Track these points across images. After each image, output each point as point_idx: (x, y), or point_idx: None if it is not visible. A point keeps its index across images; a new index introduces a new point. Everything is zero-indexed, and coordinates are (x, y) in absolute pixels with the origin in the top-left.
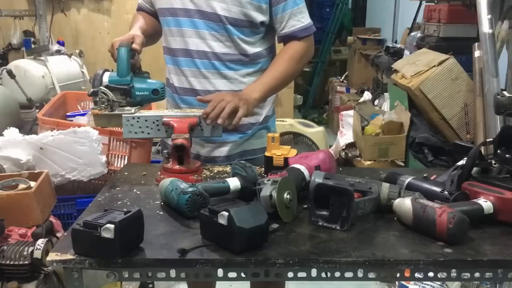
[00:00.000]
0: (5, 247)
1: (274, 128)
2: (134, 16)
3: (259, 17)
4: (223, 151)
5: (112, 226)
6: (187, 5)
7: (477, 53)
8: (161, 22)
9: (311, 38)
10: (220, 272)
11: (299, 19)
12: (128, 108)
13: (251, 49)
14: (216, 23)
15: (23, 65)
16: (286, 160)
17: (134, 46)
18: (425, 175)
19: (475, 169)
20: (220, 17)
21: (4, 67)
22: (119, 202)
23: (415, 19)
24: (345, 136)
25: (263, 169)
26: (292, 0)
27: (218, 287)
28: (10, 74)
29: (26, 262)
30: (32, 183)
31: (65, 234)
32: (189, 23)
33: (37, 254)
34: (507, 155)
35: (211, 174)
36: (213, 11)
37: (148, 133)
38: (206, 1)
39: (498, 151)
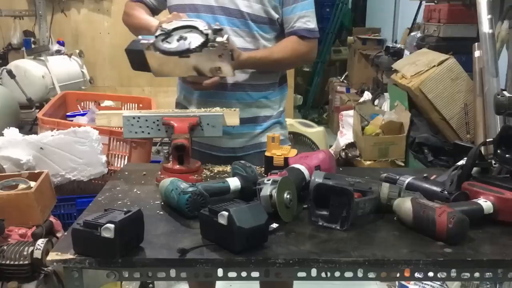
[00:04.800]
0: (5, 247)
1: (285, 123)
2: (130, 5)
3: (276, 15)
4: (239, 142)
5: (112, 225)
6: (209, 2)
7: (477, 53)
8: None
9: (314, 42)
10: (220, 272)
11: (305, 22)
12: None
13: (268, 45)
14: (238, 19)
15: (23, 65)
16: (286, 160)
17: None
18: (425, 175)
19: (475, 169)
20: (243, 13)
21: (4, 67)
22: (119, 202)
23: (415, 19)
24: (345, 136)
25: (263, 169)
26: (301, 5)
27: (217, 287)
28: (10, 74)
29: (26, 262)
30: (32, 183)
31: (65, 234)
32: (210, 19)
33: (37, 254)
34: (507, 155)
35: (211, 174)
36: (236, 7)
37: (148, 133)
38: None
39: (498, 151)
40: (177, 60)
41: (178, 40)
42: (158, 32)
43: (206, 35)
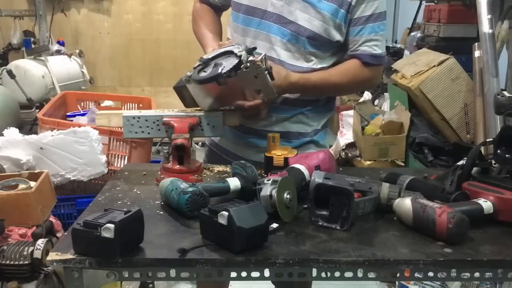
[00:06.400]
0: (5, 247)
1: (324, 142)
2: (196, 11)
3: (337, 36)
4: None
5: (112, 225)
6: (266, 7)
7: (477, 53)
8: (232, 15)
9: (378, 69)
10: (220, 272)
11: (371, 46)
12: None
13: (319, 64)
14: (291, 32)
15: (23, 65)
16: (286, 160)
17: None
18: (425, 175)
19: (475, 169)
20: (299, 27)
21: (4, 67)
22: (119, 202)
23: (415, 19)
24: (345, 136)
25: (263, 169)
26: (371, 27)
27: None
28: (10, 74)
29: (26, 262)
30: (32, 183)
31: (65, 234)
32: (263, 25)
33: (37, 254)
34: (507, 155)
35: (211, 174)
36: (294, 20)
37: (148, 133)
38: (288, 7)
39: (498, 151)
40: (217, 89)
41: (213, 68)
42: (196, 64)
43: (240, 57)
